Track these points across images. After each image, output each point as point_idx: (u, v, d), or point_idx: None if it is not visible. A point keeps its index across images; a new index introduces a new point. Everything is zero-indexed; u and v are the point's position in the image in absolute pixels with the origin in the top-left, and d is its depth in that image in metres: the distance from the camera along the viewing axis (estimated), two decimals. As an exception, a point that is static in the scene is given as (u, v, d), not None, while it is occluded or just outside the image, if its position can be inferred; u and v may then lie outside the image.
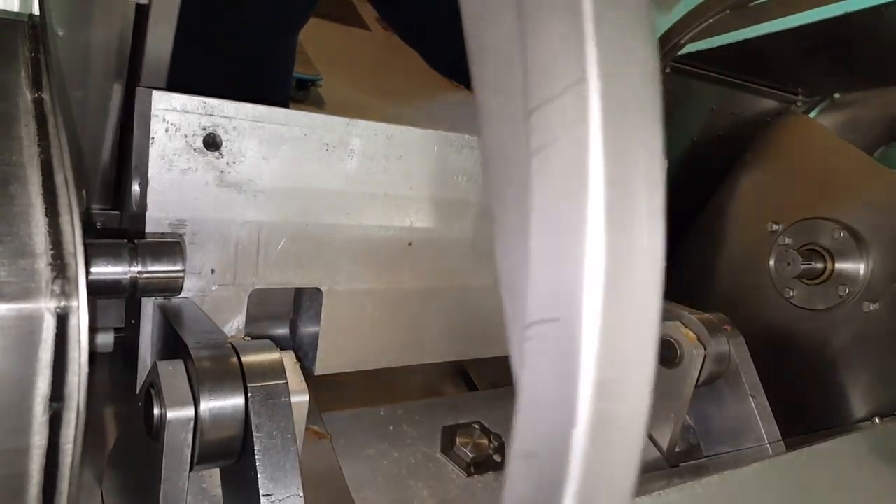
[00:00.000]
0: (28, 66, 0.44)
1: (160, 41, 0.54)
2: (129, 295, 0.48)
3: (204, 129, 0.52)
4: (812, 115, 1.07)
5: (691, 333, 0.74)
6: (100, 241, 0.47)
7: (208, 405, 0.42)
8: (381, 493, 0.64)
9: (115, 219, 0.62)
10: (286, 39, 1.10)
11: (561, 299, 0.20)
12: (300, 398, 0.47)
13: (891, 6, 0.71)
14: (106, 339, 0.63)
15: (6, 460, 0.35)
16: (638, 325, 0.20)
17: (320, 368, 0.65)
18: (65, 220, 0.37)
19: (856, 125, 1.01)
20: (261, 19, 0.97)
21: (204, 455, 0.43)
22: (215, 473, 0.51)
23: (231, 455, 0.44)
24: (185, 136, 0.52)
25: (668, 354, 0.74)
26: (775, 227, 0.97)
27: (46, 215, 0.37)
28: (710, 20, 0.83)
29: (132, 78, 0.56)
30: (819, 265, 0.90)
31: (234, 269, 0.57)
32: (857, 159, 0.93)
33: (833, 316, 0.89)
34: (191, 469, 0.43)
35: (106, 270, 0.46)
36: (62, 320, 0.35)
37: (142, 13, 0.54)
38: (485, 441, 0.71)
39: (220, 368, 0.44)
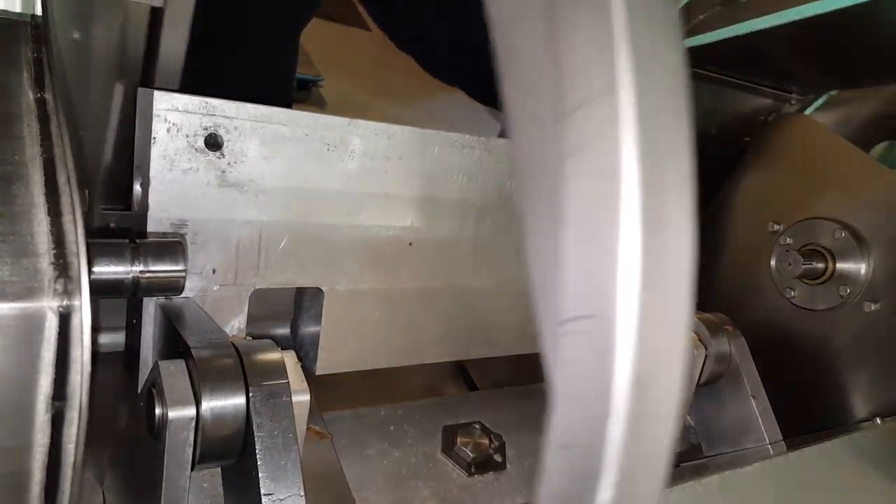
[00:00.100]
0: (30, 66, 0.45)
1: (174, 44, 0.55)
2: (130, 294, 0.48)
3: (205, 129, 0.52)
4: (806, 113, 1.06)
5: (692, 333, 0.74)
6: (102, 240, 0.47)
7: (210, 405, 0.42)
8: (382, 493, 0.64)
9: (130, 219, 0.62)
10: (289, 40, 1.11)
11: (596, 297, 0.21)
12: (301, 398, 0.47)
13: (887, 1, 0.70)
14: (117, 339, 0.63)
15: (8, 458, 0.35)
16: (671, 320, 0.21)
17: (321, 368, 0.65)
18: (67, 219, 0.37)
19: (850, 123, 1.01)
20: (263, 20, 0.97)
21: (205, 454, 0.43)
22: (216, 473, 0.51)
23: (232, 454, 0.44)
24: (187, 136, 0.52)
25: (668, 354, 0.74)
26: (776, 227, 0.97)
27: (49, 215, 0.37)
28: (701, 16, 0.83)
29: (146, 80, 0.57)
30: (820, 265, 0.90)
31: (235, 269, 0.57)
32: (858, 159, 0.93)
33: (834, 316, 0.89)
34: (192, 468, 0.43)
35: (108, 270, 0.46)
36: (65, 319, 0.35)
37: (156, 16, 0.54)
38: (485, 441, 0.71)
39: (222, 368, 0.44)
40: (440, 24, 1.18)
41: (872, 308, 0.86)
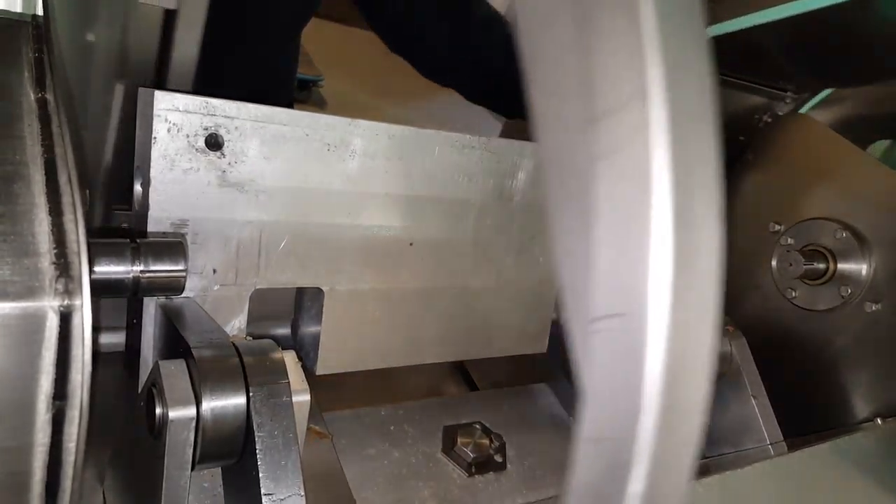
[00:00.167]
0: (31, 66, 0.45)
1: (187, 45, 0.55)
2: (131, 294, 0.48)
3: (206, 129, 0.53)
4: (802, 111, 1.06)
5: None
6: (103, 240, 0.47)
7: (210, 404, 0.42)
8: (382, 493, 0.64)
9: (130, 219, 0.62)
10: (289, 39, 1.11)
11: (627, 295, 0.21)
12: (302, 398, 0.47)
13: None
14: (118, 339, 0.63)
15: (9, 458, 0.35)
16: (700, 318, 0.22)
17: (321, 368, 0.65)
18: (68, 219, 0.37)
19: (845, 122, 1.01)
20: (263, 20, 0.97)
21: (205, 454, 0.43)
22: (217, 473, 0.51)
23: (232, 454, 0.44)
24: (187, 135, 0.52)
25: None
26: (777, 227, 0.97)
27: (50, 214, 0.37)
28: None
29: (160, 82, 0.57)
30: (821, 265, 0.90)
31: (235, 269, 0.57)
32: (859, 159, 0.93)
33: (835, 316, 0.89)
34: (192, 468, 0.43)
35: (109, 269, 0.46)
36: (65, 319, 0.35)
37: (169, 18, 0.54)
38: (486, 441, 0.71)
39: (222, 368, 0.44)
40: (440, 24, 1.18)
41: (873, 308, 0.85)
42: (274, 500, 0.41)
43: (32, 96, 0.43)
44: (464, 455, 0.69)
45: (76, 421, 0.35)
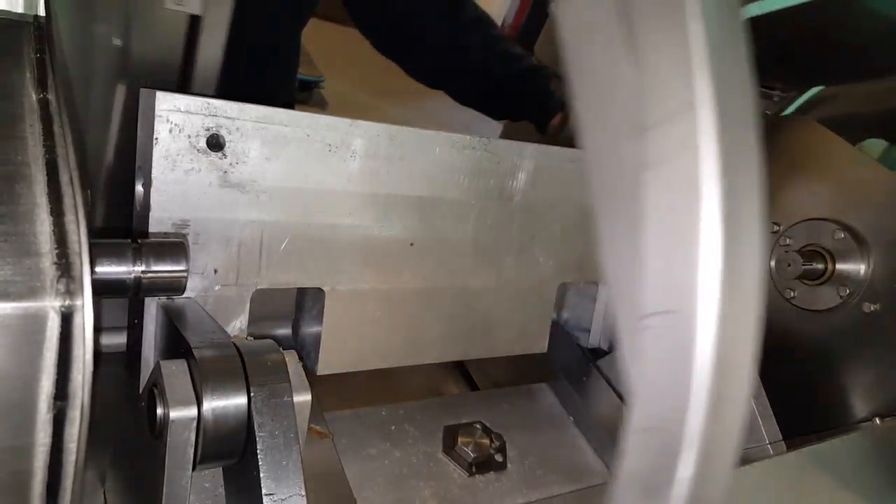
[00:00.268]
0: (33, 66, 0.45)
1: (212, 49, 0.56)
2: (132, 294, 0.48)
3: (207, 129, 0.53)
4: (790, 110, 1.06)
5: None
6: (104, 240, 0.47)
7: (211, 405, 0.42)
8: (383, 493, 0.64)
9: (132, 219, 0.62)
10: (289, 39, 1.11)
11: (678, 294, 0.23)
12: (302, 398, 0.47)
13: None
14: (119, 339, 0.63)
15: (11, 458, 0.35)
16: (745, 314, 0.23)
17: (322, 368, 0.65)
18: (70, 219, 0.37)
19: (833, 121, 1.01)
20: (262, 20, 0.97)
21: (207, 454, 0.43)
22: (218, 473, 0.51)
23: (233, 454, 0.44)
24: (189, 136, 0.52)
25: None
26: (776, 227, 0.97)
27: (51, 215, 0.37)
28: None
29: (184, 85, 0.58)
30: (820, 266, 0.90)
31: (236, 270, 0.57)
32: (858, 160, 0.93)
33: (834, 317, 0.90)
34: (193, 468, 0.43)
35: (110, 270, 0.46)
36: (67, 319, 0.35)
37: (194, 23, 0.55)
38: (486, 441, 0.71)
39: (223, 368, 0.44)
40: (440, 24, 1.17)
41: (872, 309, 0.86)
42: (275, 500, 0.41)
43: (34, 97, 0.43)
44: (464, 455, 0.70)
45: (77, 421, 0.35)
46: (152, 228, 0.52)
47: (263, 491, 0.41)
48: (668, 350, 0.23)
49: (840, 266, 0.89)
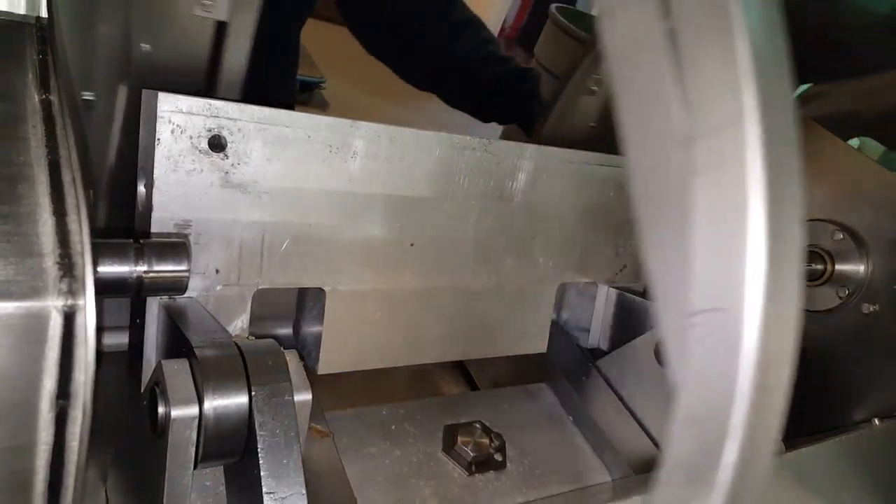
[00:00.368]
0: (35, 67, 0.45)
1: (238, 55, 0.56)
2: (134, 294, 0.49)
3: (209, 130, 0.53)
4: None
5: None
6: (106, 240, 0.47)
7: (212, 403, 0.42)
8: (383, 492, 0.64)
9: (134, 219, 0.62)
10: (288, 39, 1.11)
11: (726, 293, 0.25)
12: (303, 397, 0.47)
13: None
14: (120, 339, 0.64)
15: (13, 457, 0.35)
16: (787, 312, 0.25)
17: (323, 368, 0.65)
18: (72, 219, 0.37)
19: (823, 119, 1.00)
20: (262, 20, 0.97)
21: (208, 453, 0.43)
22: (219, 471, 0.51)
23: (234, 453, 0.44)
24: (191, 137, 0.52)
25: (668, 355, 0.74)
26: (776, 228, 0.97)
27: (54, 215, 0.37)
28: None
29: (210, 89, 0.58)
30: (819, 267, 0.90)
31: (238, 270, 0.57)
32: (857, 161, 0.93)
33: (833, 317, 0.90)
34: (195, 467, 0.43)
35: (112, 269, 0.47)
36: (69, 318, 0.35)
37: (220, 28, 0.55)
38: (486, 440, 0.72)
39: (225, 367, 0.44)
40: (440, 25, 1.18)
41: (871, 309, 0.86)
42: (276, 499, 0.41)
43: (36, 98, 0.43)
44: (464, 454, 0.70)
45: (79, 420, 0.35)
46: (154, 228, 0.53)
47: (264, 489, 0.41)
48: (715, 345, 0.25)
49: (839, 267, 0.89)
